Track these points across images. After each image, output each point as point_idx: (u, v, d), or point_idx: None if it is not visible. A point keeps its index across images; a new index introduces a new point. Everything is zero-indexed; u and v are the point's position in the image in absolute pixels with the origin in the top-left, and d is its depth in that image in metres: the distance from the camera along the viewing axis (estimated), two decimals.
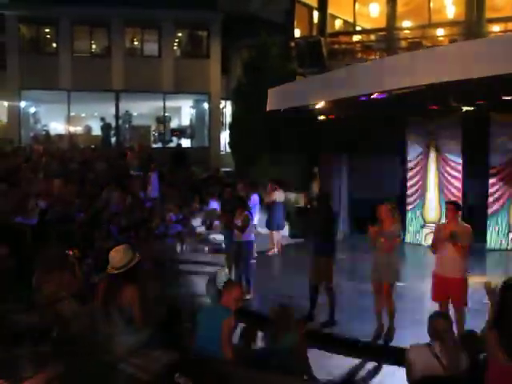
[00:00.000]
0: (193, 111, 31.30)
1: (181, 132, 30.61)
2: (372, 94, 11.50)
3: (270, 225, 15.01)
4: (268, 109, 16.29)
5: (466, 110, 12.82)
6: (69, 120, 28.51)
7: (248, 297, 10.32)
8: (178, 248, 15.00)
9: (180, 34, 28.73)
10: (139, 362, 6.23)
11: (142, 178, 18.02)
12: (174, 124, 32.09)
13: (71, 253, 9.19)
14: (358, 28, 18.88)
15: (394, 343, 8.43)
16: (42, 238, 10.31)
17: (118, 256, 6.45)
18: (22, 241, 11.05)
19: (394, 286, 8.69)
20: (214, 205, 17.42)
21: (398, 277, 8.65)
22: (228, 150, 26.09)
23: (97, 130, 29.01)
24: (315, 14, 18.77)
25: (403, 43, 17.24)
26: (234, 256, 11.53)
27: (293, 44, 18.35)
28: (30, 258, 9.55)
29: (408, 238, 15.57)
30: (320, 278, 9.45)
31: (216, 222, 16.89)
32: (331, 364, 8.04)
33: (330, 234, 9.53)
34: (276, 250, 15.03)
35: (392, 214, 8.71)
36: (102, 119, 27.23)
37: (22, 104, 27.11)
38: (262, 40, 20.16)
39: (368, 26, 19.11)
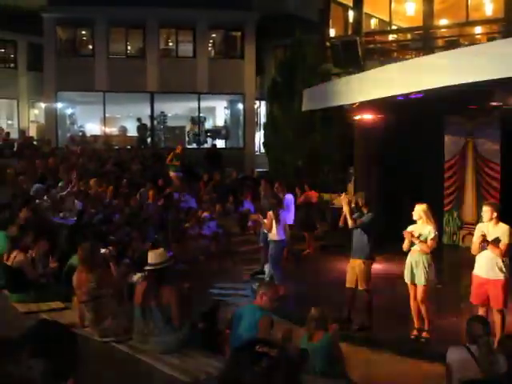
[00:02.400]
0: (227, 112, 31.34)
1: (215, 133, 30.69)
2: (409, 94, 11.38)
3: (305, 225, 14.95)
4: (303, 109, 16.25)
5: (505, 109, 12.61)
6: (104, 121, 28.79)
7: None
8: (213, 248, 15.03)
9: (214, 35, 28.77)
10: (177, 362, 6.27)
11: (180, 179, 18.05)
12: (208, 125, 32.18)
13: (108, 252, 9.31)
14: (393, 27, 18.69)
15: (431, 345, 8.33)
16: (79, 238, 10.42)
17: (154, 255, 6.56)
18: (60, 240, 11.24)
19: (431, 288, 8.57)
20: (249, 205, 17.45)
21: (434, 279, 8.53)
22: (262, 150, 26.09)
23: (132, 131, 29.24)
24: (350, 13, 18.62)
25: (440, 42, 17.02)
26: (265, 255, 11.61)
27: (328, 43, 18.24)
28: (67, 257, 9.72)
29: (445, 240, 15.36)
30: (356, 281, 9.34)
31: (251, 223, 16.94)
32: (368, 366, 7.98)
33: (368, 236, 9.34)
34: (308, 250, 14.98)
35: (428, 214, 8.60)
36: (139, 120, 27.43)
37: (59, 105, 27.42)
38: (297, 39, 20.10)
39: (404, 25, 18.91)
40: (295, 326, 8.29)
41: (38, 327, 2.39)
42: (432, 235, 8.46)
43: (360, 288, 9.28)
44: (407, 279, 8.63)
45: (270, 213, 11.14)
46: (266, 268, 11.93)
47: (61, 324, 2.49)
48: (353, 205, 9.46)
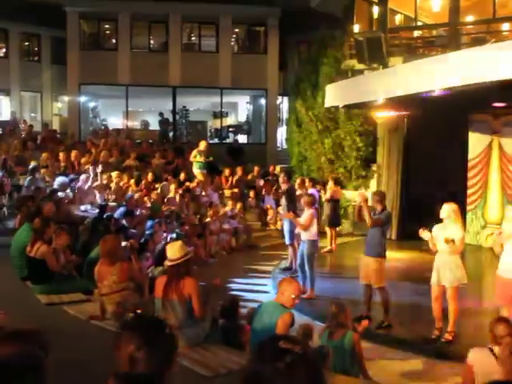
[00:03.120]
0: (250, 107, 31.34)
1: (237, 128, 30.72)
2: (434, 91, 11.25)
3: (328, 222, 14.89)
4: (326, 105, 16.17)
5: None
6: (127, 115, 28.95)
7: (305, 295, 10.21)
8: (234, 243, 15.05)
9: (237, 30, 28.78)
10: (198, 356, 6.26)
11: (204, 176, 17.95)
12: (230, 120, 32.22)
13: (129, 245, 9.37)
14: (419, 23, 18.50)
15: (453, 346, 8.24)
16: (101, 231, 10.49)
17: (174, 249, 6.55)
18: (82, 233, 11.32)
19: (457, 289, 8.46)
20: (270, 201, 17.43)
21: (462, 279, 8.39)
22: (284, 146, 26.04)
23: (154, 125, 29.35)
24: (375, 9, 18.46)
25: (466, 38, 16.81)
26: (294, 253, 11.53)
27: (352, 39, 18.10)
28: (89, 250, 9.78)
29: (468, 239, 15.16)
30: (370, 279, 9.23)
31: (271, 218, 16.93)
32: (387, 365, 7.92)
33: (381, 233, 9.23)
34: (332, 247, 14.92)
35: (457, 214, 8.47)
36: (161, 114, 27.50)
37: (82, 99, 27.62)
38: (320, 35, 19.99)
39: (429, 21, 18.71)
40: (315, 323, 8.29)
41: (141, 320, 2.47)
42: (460, 235, 8.31)
43: (374, 286, 9.20)
44: (434, 280, 8.46)
45: (309, 211, 10.95)
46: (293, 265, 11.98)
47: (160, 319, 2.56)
48: (369, 203, 9.34)
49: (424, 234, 8.40)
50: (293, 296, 6.08)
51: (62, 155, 17.58)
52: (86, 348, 6.42)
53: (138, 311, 2.78)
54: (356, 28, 19.19)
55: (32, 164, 15.87)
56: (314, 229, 10.86)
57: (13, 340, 2.60)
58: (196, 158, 18.05)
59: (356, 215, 9.58)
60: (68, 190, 14.90)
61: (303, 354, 2.11)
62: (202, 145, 18.42)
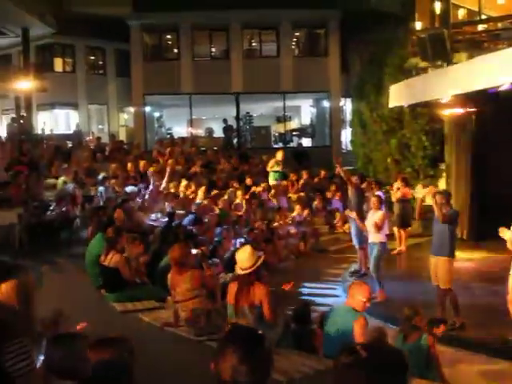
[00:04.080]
0: (313, 110, 31.27)
1: (301, 132, 30.67)
2: (502, 86, 10.96)
3: (398, 223, 14.68)
4: (390, 105, 15.99)
5: None
6: (191, 123, 29.37)
7: (378, 299, 10.11)
8: (302, 247, 15.01)
9: (298, 34, 28.78)
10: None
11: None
12: (294, 124, 32.21)
13: (200, 252, 9.48)
14: (483, 16, 18.07)
15: None
16: (171, 239, 10.64)
17: (245, 256, 6.56)
18: (152, 241, 11.52)
19: None
20: (337, 204, 17.33)
21: None
22: (349, 147, 25.86)
23: (218, 132, 29.65)
24: (437, 5, 18.14)
25: None
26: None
27: (414, 37, 17.83)
28: (159, 258, 9.96)
29: None
30: (438, 279, 9.07)
31: (339, 221, 16.82)
32: (465, 368, 7.74)
33: (450, 232, 9.01)
34: (402, 248, 14.71)
35: None
36: (225, 121, 27.77)
37: (147, 109, 28.20)
38: (382, 34, 19.81)
39: (494, 14, 18.26)
40: (388, 326, 8.19)
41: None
42: None
43: (442, 287, 9.02)
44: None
45: (381, 212, 10.82)
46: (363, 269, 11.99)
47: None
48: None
49: (505, 233, 8.16)
50: (363, 299, 6.03)
51: (130, 165, 17.97)
52: (162, 354, 6.53)
53: (232, 322, 2.87)
54: (418, 25, 18.90)
55: (101, 175, 16.28)
56: (385, 230, 10.75)
57: (105, 346, 2.72)
58: (273, 168, 18.00)
59: (417, 212, 9.39)
60: (137, 199, 15.21)
61: (381, 360, 2.13)
62: (279, 155, 18.24)
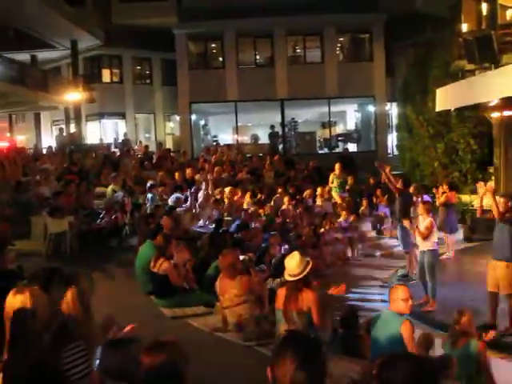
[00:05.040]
0: (358, 115, 31.14)
1: (346, 137, 30.55)
2: None
3: (444, 228, 14.49)
4: (437, 109, 15.83)
5: None
6: (236, 130, 29.56)
7: (430, 308, 10.02)
8: (349, 253, 14.96)
9: (342, 39, 28.76)
10: None
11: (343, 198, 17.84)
12: (339, 129, 32.11)
13: (248, 258, 9.57)
14: None
15: None
16: (219, 246, 10.75)
17: (294, 263, 6.57)
18: (200, 247, 11.67)
19: None
20: (384, 209, 17.22)
21: None
22: (396, 152, 25.64)
23: (263, 139, 29.76)
24: (484, 6, 17.91)
25: None
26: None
27: (461, 39, 17.64)
28: (207, 264, 10.09)
29: None
30: (498, 285, 8.80)
31: (386, 226, 16.71)
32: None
33: (509, 233, 8.65)
34: (450, 254, 14.51)
35: None
36: (272, 127, 27.89)
37: (193, 117, 28.53)
38: (428, 37, 19.65)
39: None
40: (435, 331, 8.12)
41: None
42: None
43: (502, 293, 8.78)
44: None
45: (428, 219, 10.58)
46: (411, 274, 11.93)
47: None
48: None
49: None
50: (403, 299, 5.97)
51: (177, 173, 18.23)
52: (211, 359, 6.63)
53: (286, 328, 2.90)
54: (464, 27, 18.69)
55: (149, 183, 16.55)
56: (434, 238, 10.55)
57: (159, 350, 2.81)
58: (334, 184, 18.08)
59: (479, 211, 9.16)
60: (184, 206, 15.41)
61: (423, 367, 2.15)
62: (337, 169, 18.35)
